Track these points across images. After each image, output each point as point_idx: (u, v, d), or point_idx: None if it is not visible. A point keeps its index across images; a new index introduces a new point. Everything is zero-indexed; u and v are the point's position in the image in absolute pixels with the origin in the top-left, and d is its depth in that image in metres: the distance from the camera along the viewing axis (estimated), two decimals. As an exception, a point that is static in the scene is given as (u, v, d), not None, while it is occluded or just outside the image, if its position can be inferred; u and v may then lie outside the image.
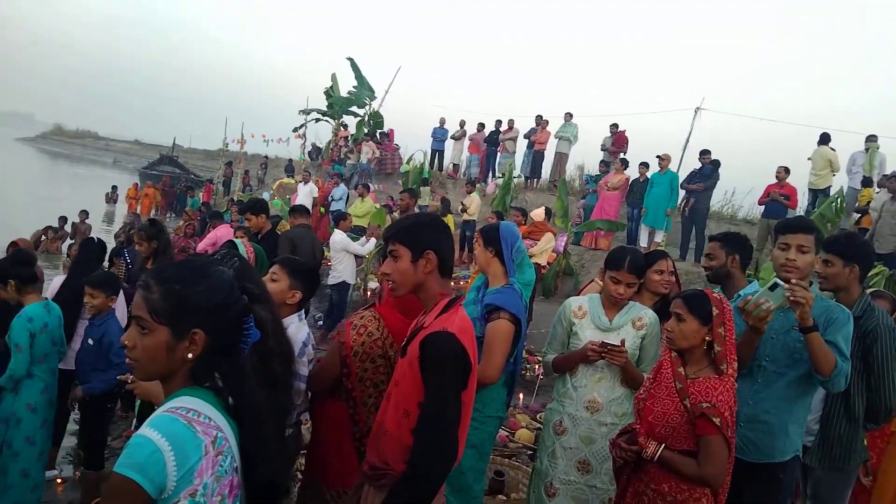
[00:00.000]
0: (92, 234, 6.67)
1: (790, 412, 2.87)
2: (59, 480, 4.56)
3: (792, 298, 2.64)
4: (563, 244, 11.67)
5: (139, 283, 1.55)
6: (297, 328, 2.80)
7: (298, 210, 7.80)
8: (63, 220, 15.45)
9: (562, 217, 12.18)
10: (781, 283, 2.67)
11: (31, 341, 3.79)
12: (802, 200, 12.04)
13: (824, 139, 11.52)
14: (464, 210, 12.96)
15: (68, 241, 14.74)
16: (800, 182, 11.37)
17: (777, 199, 10.61)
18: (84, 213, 16.02)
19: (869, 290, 4.17)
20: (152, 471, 1.37)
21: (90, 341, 4.09)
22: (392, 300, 2.58)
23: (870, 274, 5.04)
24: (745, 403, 2.86)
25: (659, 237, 11.63)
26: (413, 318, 2.32)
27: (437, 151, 20.07)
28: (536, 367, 6.55)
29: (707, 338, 2.55)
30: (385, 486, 2.07)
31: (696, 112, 16.56)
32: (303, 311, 2.91)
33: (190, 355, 1.51)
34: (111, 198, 24.58)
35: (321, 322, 8.98)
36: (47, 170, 43.53)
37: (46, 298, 4.10)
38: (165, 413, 1.45)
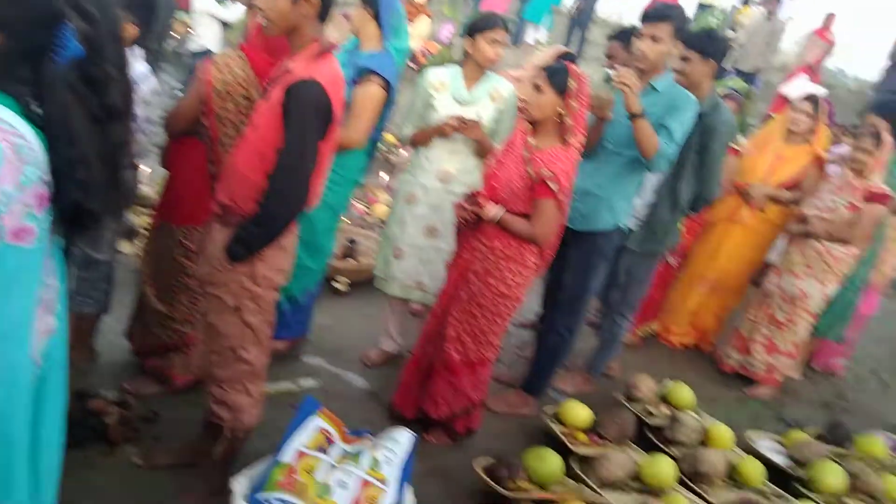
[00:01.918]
0: None
1: (619, 187, 3.08)
2: None
3: (616, 83, 2.75)
4: (448, 34, 11.23)
5: None
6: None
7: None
8: None
9: (450, 4, 11.61)
10: (611, 72, 2.77)
11: None
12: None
13: None
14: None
15: None
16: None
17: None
18: None
19: (723, 92, 4.40)
20: None
21: None
22: (259, 41, 2.48)
23: (727, 84, 5.29)
24: (584, 179, 2.98)
25: (542, 35, 11.45)
26: (281, 58, 2.21)
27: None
28: (402, 150, 6.56)
29: (560, 110, 2.61)
30: (232, 224, 2.10)
31: None
32: (136, 46, 2.69)
33: None
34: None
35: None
36: None
37: None
38: None
